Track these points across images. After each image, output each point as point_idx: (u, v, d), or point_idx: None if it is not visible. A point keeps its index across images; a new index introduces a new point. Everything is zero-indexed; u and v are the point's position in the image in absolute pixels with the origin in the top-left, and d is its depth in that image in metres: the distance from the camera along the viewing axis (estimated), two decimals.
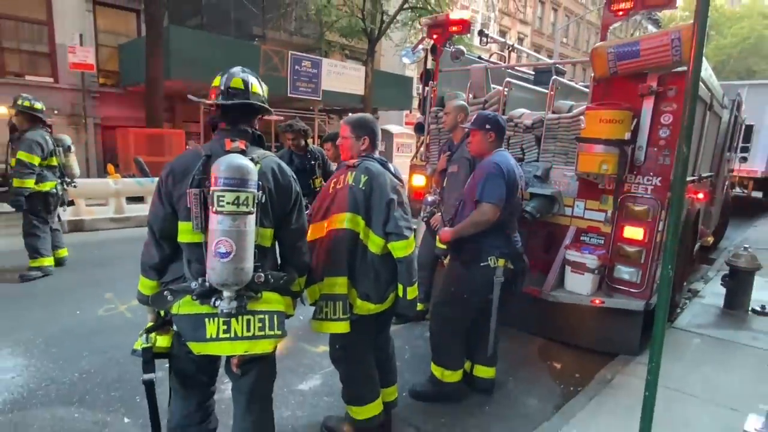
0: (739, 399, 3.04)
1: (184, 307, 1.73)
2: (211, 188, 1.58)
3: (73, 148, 5.42)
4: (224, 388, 2.76)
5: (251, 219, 1.62)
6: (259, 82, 1.90)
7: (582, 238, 3.76)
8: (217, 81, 1.86)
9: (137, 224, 7.67)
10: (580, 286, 3.55)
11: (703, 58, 3.86)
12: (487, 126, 2.87)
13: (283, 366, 3.26)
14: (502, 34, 26.13)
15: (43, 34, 13.08)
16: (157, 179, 1.86)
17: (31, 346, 3.43)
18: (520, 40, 26.61)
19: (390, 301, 2.37)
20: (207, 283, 1.64)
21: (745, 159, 8.56)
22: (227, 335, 1.72)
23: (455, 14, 4.29)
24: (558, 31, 26.30)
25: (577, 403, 3.04)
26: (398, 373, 3.33)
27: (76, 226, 7.20)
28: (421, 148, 4.78)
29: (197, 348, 1.75)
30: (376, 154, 2.41)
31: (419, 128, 4.80)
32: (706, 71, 3.92)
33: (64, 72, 12.77)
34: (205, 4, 13.97)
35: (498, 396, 3.16)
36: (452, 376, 2.99)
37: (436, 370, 3.03)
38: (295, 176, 1.92)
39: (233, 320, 1.72)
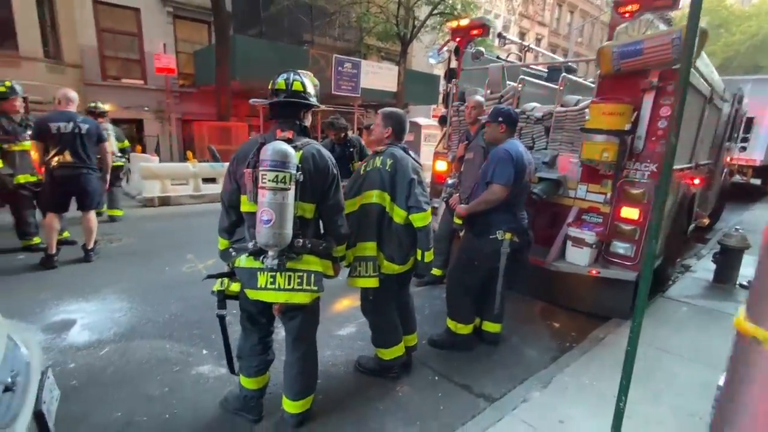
0: (720, 359, 2.93)
1: (243, 261, 1.88)
2: (260, 168, 1.69)
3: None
4: (279, 331, 2.94)
5: (290, 194, 1.73)
6: (304, 81, 1.94)
7: (583, 217, 3.68)
8: (270, 84, 1.96)
9: (210, 200, 8.05)
10: (579, 258, 3.50)
11: (705, 56, 3.61)
12: (499, 118, 2.84)
13: (325, 317, 3.40)
14: (522, 35, 24.88)
15: (134, 44, 13.60)
16: (226, 164, 1.99)
17: (133, 293, 3.74)
18: (538, 41, 25.29)
19: (410, 264, 2.45)
20: (258, 244, 1.77)
21: (744, 149, 7.95)
22: (273, 286, 1.87)
23: (476, 19, 4.16)
24: (573, 32, 24.71)
25: (572, 356, 3.04)
26: (418, 326, 3.43)
27: (164, 201, 7.64)
28: (444, 138, 4.74)
29: (251, 294, 1.90)
30: (401, 143, 2.46)
31: (443, 120, 4.75)
32: (707, 67, 3.67)
33: (152, 75, 13.28)
34: (264, 16, 14.04)
35: (503, 347, 3.20)
36: (464, 329, 3.05)
37: (451, 324, 3.10)
38: (333, 160, 1.99)
39: (278, 275, 1.87)
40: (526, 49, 5.55)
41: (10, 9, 10.75)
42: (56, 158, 4.11)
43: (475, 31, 4.26)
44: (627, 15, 3.26)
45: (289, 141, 1.85)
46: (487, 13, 20.99)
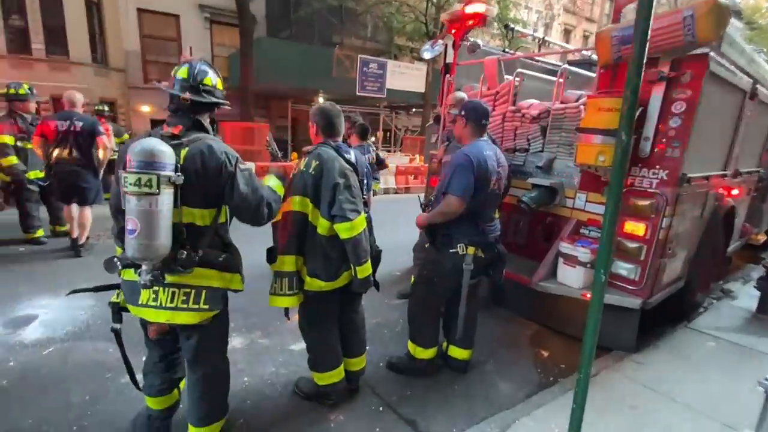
0: (739, 415, 2.37)
1: (126, 273, 1.70)
2: (124, 170, 1.49)
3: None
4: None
5: (161, 199, 1.48)
6: (216, 77, 1.78)
7: (582, 231, 3.19)
8: (173, 72, 1.77)
9: None
10: (571, 278, 3.02)
11: (740, 40, 3.00)
12: (462, 112, 2.48)
13: (283, 328, 3.23)
14: (567, 32, 23.56)
15: (174, 48, 14.32)
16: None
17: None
18: (585, 38, 23.77)
19: (344, 279, 2.16)
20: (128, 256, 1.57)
21: None
22: (154, 303, 1.67)
23: (470, 8, 3.77)
24: None
25: (549, 394, 2.60)
26: (386, 343, 3.14)
27: None
28: (438, 140, 4.38)
29: (133, 310, 1.72)
30: (334, 142, 2.18)
31: (438, 120, 4.39)
32: (744, 55, 3.05)
33: None
34: (294, 18, 14.25)
35: (472, 376, 2.81)
36: (424, 353, 2.71)
37: (411, 346, 2.76)
38: (232, 154, 1.73)
39: (160, 291, 1.67)
40: (540, 41, 5.05)
41: (62, 17, 11.69)
42: (55, 154, 4.30)
43: (471, 21, 3.87)
44: None
45: (173, 137, 1.64)
46: (528, 10, 20.01)
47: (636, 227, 2.87)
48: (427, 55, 4.25)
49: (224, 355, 2.01)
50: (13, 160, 4.50)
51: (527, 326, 3.58)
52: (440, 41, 4.19)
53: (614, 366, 2.91)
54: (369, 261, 2.13)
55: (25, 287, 3.68)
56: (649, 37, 1.28)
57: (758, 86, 3.45)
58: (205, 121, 1.78)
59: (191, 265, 1.66)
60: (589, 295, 2.91)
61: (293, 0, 14.15)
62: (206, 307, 1.71)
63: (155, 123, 14.62)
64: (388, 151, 15.15)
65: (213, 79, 1.77)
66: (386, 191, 10.10)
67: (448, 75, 4.12)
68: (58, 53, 11.92)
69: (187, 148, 1.62)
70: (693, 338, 3.40)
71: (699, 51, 2.51)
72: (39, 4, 11.32)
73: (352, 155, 2.19)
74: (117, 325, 1.83)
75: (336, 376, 2.33)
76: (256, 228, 1.96)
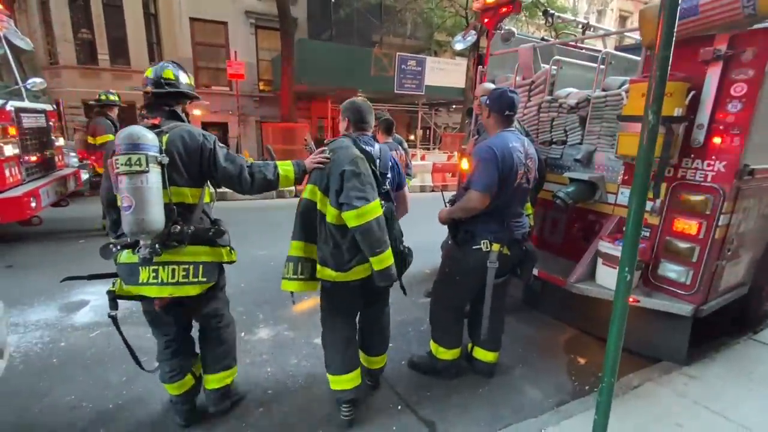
0: None
1: (123, 257, 1.81)
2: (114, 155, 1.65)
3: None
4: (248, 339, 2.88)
5: (150, 177, 1.63)
6: (178, 71, 1.96)
7: (624, 228, 2.93)
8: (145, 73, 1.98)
9: (264, 197, 8.48)
10: (610, 280, 2.78)
11: None
12: (487, 102, 2.36)
13: (310, 321, 3.28)
14: (623, 19, 22.06)
15: (222, 54, 15.11)
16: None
17: None
18: None
19: (360, 273, 2.08)
20: (126, 235, 1.73)
21: None
22: (156, 281, 1.80)
23: None
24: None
25: (582, 404, 2.41)
26: (408, 343, 3.09)
27: (221, 197, 8.25)
28: (470, 134, 4.24)
29: (133, 290, 1.84)
30: (364, 134, 2.18)
31: (470, 113, 4.25)
32: None
33: (236, 82, 14.60)
34: (334, 19, 14.51)
35: (498, 380, 2.68)
36: (445, 354, 2.62)
37: (433, 346, 2.69)
38: (209, 136, 1.91)
39: (160, 269, 1.79)
40: (584, 27, 4.72)
41: (124, 30, 12.73)
42: None
43: (504, 9, 3.71)
44: None
45: (154, 126, 1.81)
46: None
47: (688, 225, 2.59)
48: (458, 47, 4.12)
49: (228, 312, 2.23)
50: None
51: (562, 330, 3.37)
52: (472, 31, 4.05)
53: (660, 378, 2.65)
54: (386, 251, 1.98)
55: (84, 273, 4.02)
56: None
57: None
58: (179, 111, 1.94)
59: (185, 239, 1.80)
60: (632, 299, 2.70)
61: (333, 2, 14.41)
62: (204, 279, 1.88)
63: (205, 125, 15.56)
64: (427, 149, 14.99)
65: (174, 72, 1.94)
66: (422, 189, 9.99)
67: (480, 66, 3.97)
68: (120, 63, 13.01)
69: (167, 134, 1.79)
70: (758, 352, 3.02)
71: (762, 25, 2.21)
72: (104, 18, 12.42)
73: (375, 148, 2.15)
74: (113, 312, 1.88)
75: (347, 383, 2.17)
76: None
